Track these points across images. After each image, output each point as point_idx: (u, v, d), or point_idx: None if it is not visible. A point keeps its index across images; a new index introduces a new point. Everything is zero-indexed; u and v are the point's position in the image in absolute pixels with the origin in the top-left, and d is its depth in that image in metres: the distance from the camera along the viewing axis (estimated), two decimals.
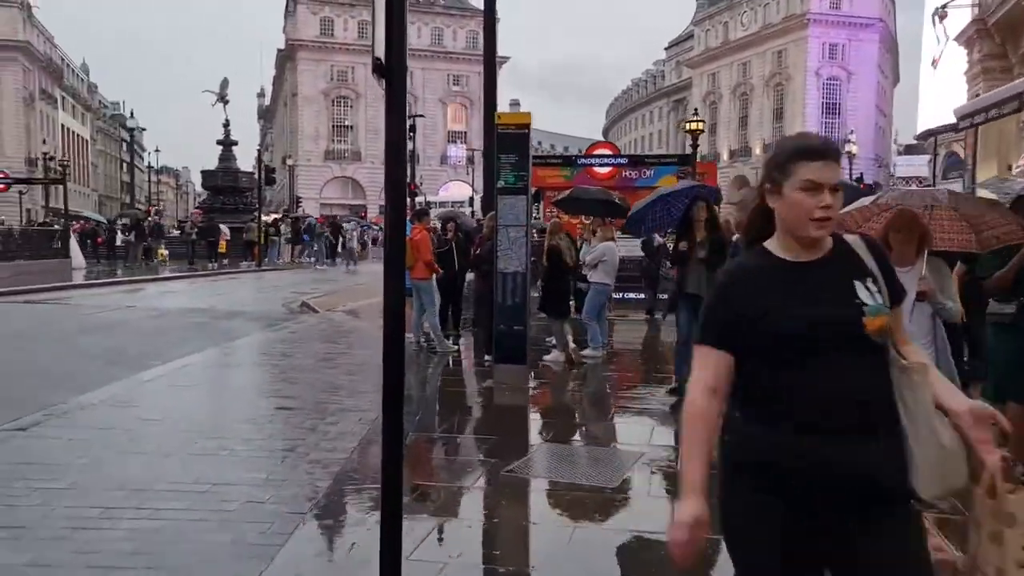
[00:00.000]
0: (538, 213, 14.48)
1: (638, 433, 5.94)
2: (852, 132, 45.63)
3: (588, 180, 14.76)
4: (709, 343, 1.74)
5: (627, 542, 3.82)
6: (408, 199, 14.14)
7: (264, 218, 31.66)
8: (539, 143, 72.07)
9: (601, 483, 4.61)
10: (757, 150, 65.13)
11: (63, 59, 71.30)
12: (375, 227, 39.62)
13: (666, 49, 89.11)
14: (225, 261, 28.30)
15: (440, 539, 3.83)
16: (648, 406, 6.81)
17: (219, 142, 36.86)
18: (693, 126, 23.44)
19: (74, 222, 32.89)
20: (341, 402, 6.80)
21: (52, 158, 41.82)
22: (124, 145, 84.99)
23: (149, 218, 37.08)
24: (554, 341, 8.98)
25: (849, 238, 1.81)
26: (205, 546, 3.70)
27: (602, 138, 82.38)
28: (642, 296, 13.21)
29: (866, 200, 4.08)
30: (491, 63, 11.29)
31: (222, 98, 36.94)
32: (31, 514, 4.04)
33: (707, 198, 7.15)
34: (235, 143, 37.12)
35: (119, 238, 31.97)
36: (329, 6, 66.21)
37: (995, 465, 1.64)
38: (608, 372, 8.56)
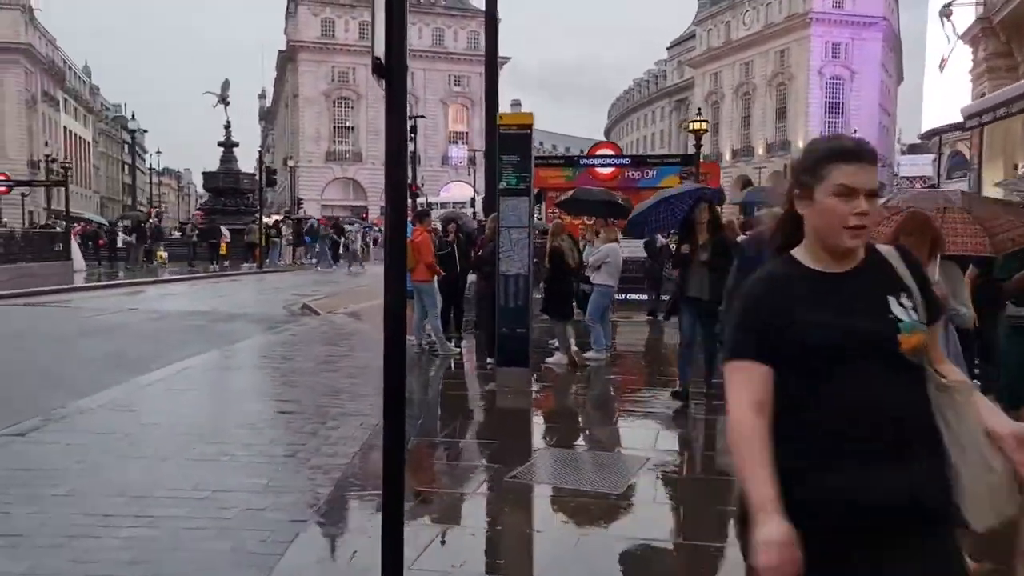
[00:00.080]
0: (540, 214, 14.41)
1: (643, 437, 5.87)
2: (856, 131, 45.47)
3: (590, 181, 14.69)
4: (747, 357, 1.59)
5: (634, 550, 3.75)
6: (409, 200, 14.09)
7: (265, 219, 31.62)
8: (540, 143, 72.03)
9: (606, 489, 4.54)
10: (760, 150, 65.07)
11: (65, 61, 71.40)
12: (376, 228, 39.59)
13: (668, 49, 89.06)
14: (226, 263, 28.25)
15: (443, 547, 3.77)
16: (652, 409, 6.74)
17: (220, 144, 36.85)
18: (696, 126, 23.39)
19: (75, 224, 32.87)
20: (342, 406, 6.74)
21: (54, 160, 41.86)
22: (126, 147, 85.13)
23: (150, 220, 37.08)
24: (557, 343, 8.91)
25: (882, 248, 1.70)
26: (204, 555, 3.64)
27: (604, 138, 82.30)
28: (645, 297, 13.14)
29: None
30: (492, 63, 11.25)
31: (223, 100, 36.92)
32: (29, 522, 3.98)
33: (710, 200, 7.08)
34: (236, 144, 37.11)
35: (120, 240, 31.96)
36: (330, 7, 66.22)
37: None
38: (611, 375, 8.49)
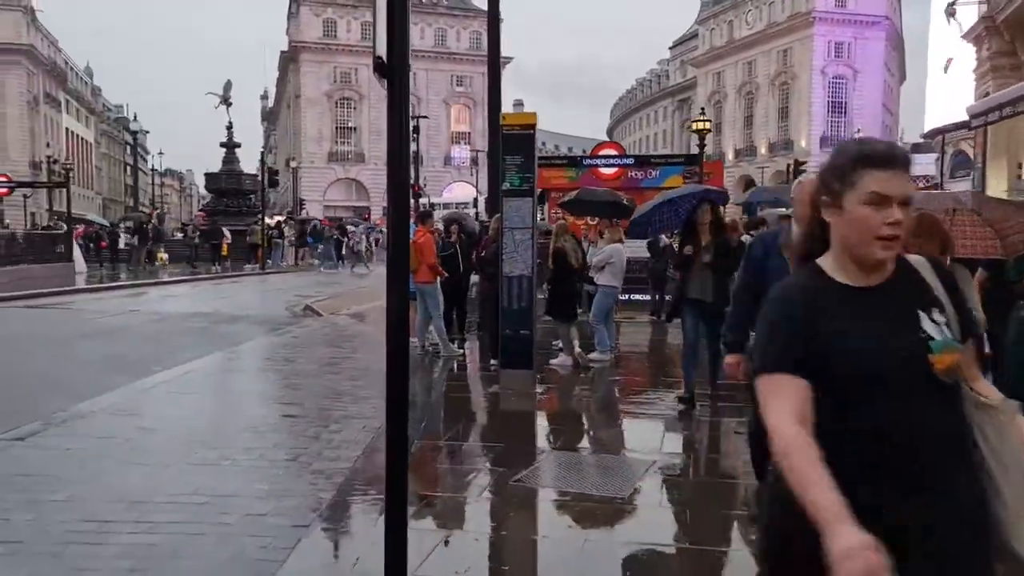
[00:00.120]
0: (542, 215, 14.36)
1: (648, 440, 5.81)
2: (859, 131, 45.40)
3: (593, 181, 14.65)
4: (782, 370, 1.47)
5: (640, 555, 3.70)
6: (412, 200, 14.05)
7: (267, 220, 31.58)
8: (543, 144, 71.98)
9: (612, 493, 4.48)
10: (762, 149, 64.95)
11: (67, 62, 71.48)
12: (378, 229, 39.55)
13: (670, 48, 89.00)
14: (227, 264, 28.22)
15: (447, 553, 3.71)
16: (658, 411, 6.68)
17: (222, 144, 36.84)
18: (700, 125, 23.31)
19: (77, 226, 32.86)
20: (345, 409, 6.69)
21: (56, 161, 41.88)
22: (128, 148, 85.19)
23: (151, 221, 37.07)
24: (560, 345, 8.85)
25: (913, 259, 1.60)
26: (204, 562, 3.60)
27: (606, 138, 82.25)
28: (648, 297, 13.07)
29: None
30: (495, 64, 11.21)
31: (225, 100, 36.92)
32: (27, 528, 3.94)
33: (713, 200, 7.01)
34: (238, 145, 37.08)
35: (122, 241, 31.93)
36: (332, 7, 66.22)
37: None
38: (616, 376, 8.43)
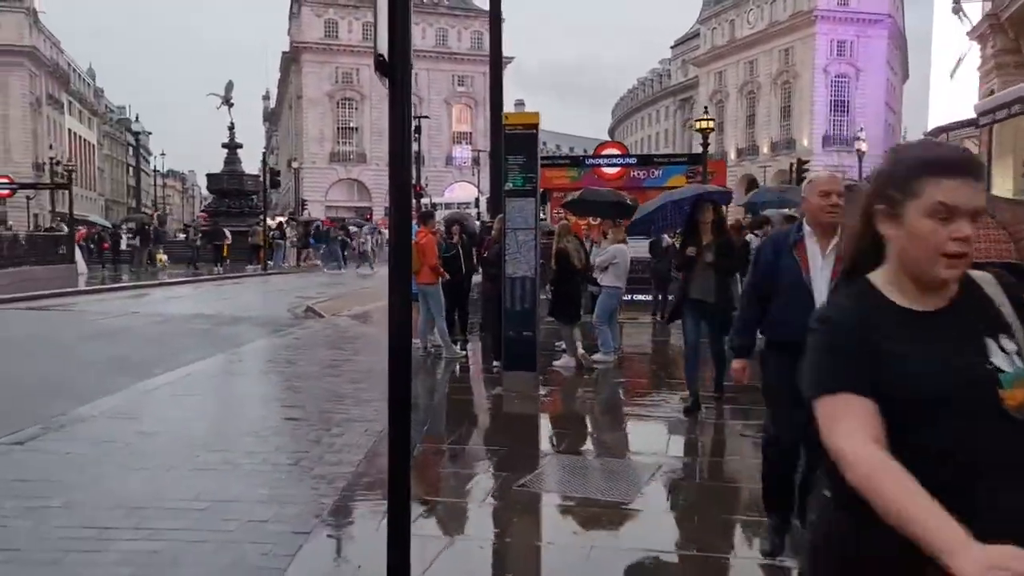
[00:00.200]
0: (544, 214, 14.31)
1: (653, 443, 5.76)
2: (862, 129, 45.28)
3: (596, 181, 14.59)
4: (846, 390, 1.32)
5: (647, 562, 3.64)
6: (413, 201, 13.99)
7: (269, 221, 31.56)
8: (544, 143, 71.89)
9: (617, 498, 4.42)
10: (764, 148, 64.84)
11: (69, 64, 71.52)
12: (379, 229, 39.54)
13: (672, 48, 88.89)
14: (227, 264, 28.18)
15: (451, 559, 3.65)
16: (663, 413, 6.62)
17: (224, 145, 36.81)
18: (703, 125, 23.23)
19: (79, 227, 32.84)
20: (347, 411, 6.63)
21: (58, 163, 41.87)
22: (130, 149, 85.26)
23: (153, 222, 37.05)
24: (564, 346, 8.79)
25: (978, 276, 1.42)
26: (204, 569, 3.55)
27: (608, 138, 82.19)
28: (650, 298, 13.00)
29: None
30: (497, 63, 11.15)
31: (227, 101, 36.86)
32: (26, 535, 3.89)
33: (715, 200, 6.94)
34: (240, 146, 37.04)
35: (124, 242, 31.92)
36: (333, 8, 66.21)
37: None
38: (620, 378, 8.37)
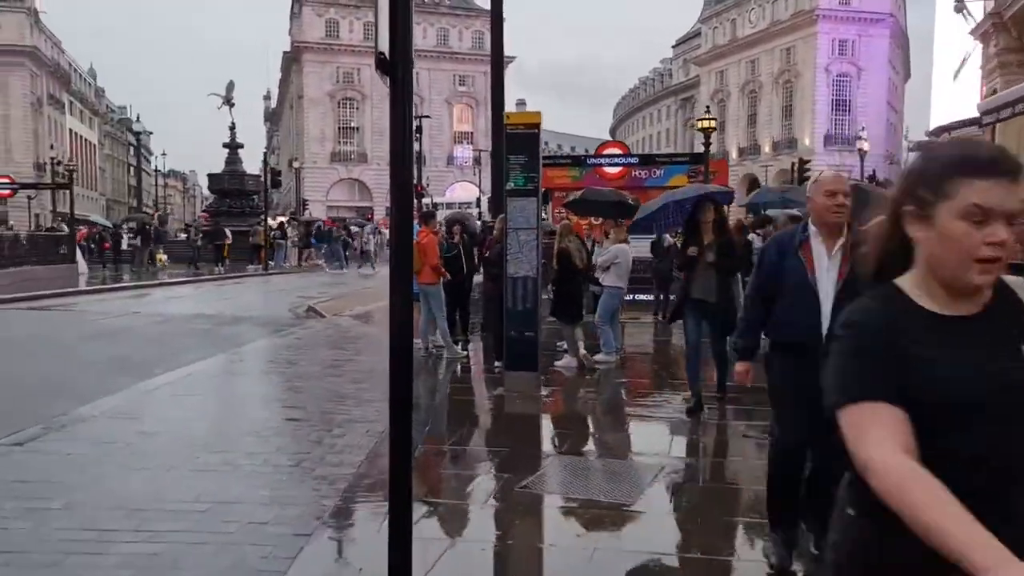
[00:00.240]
0: (546, 214, 14.28)
1: (656, 443, 5.73)
2: (863, 129, 45.21)
3: (597, 180, 14.56)
4: (874, 397, 1.26)
5: (651, 565, 3.61)
6: (415, 200, 13.96)
7: (270, 221, 31.55)
8: (546, 143, 71.87)
9: (620, 499, 4.39)
10: (766, 148, 64.76)
11: (70, 64, 71.53)
12: (378, 229, 39.53)
13: (673, 47, 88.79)
14: (227, 263, 28.16)
15: (453, 562, 3.62)
16: (665, 414, 6.59)
17: (225, 145, 36.79)
18: (705, 124, 23.17)
19: (80, 227, 32.84)
20: (348, 412, 6.61)
21: (59, 163, 41.87)
22: (131, 149, 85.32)
23: (154, 222, 37.03)
24: (565, 346, 8.76)
25: (1013, 281, 1.38)
26: (204, 572, 3.52)
27: (609, 137, 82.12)
28: (651, 298, 12.97)
29: None
30: (498, 62, 11.10)
31: (228, 101, 36.84)
32: (25, 537, 3.86)
33: (716, 199, 6.91)
34: (241, 146, 37.02)
35: (125, 242, 31.90)
36: (334, 8, 66.19)
37: None
38: (622, 378, 8.34)
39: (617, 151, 17.66)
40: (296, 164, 53.91)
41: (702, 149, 21.76)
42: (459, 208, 34.52)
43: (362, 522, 4.21)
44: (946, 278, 1.30)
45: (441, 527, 4.10)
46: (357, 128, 66.36)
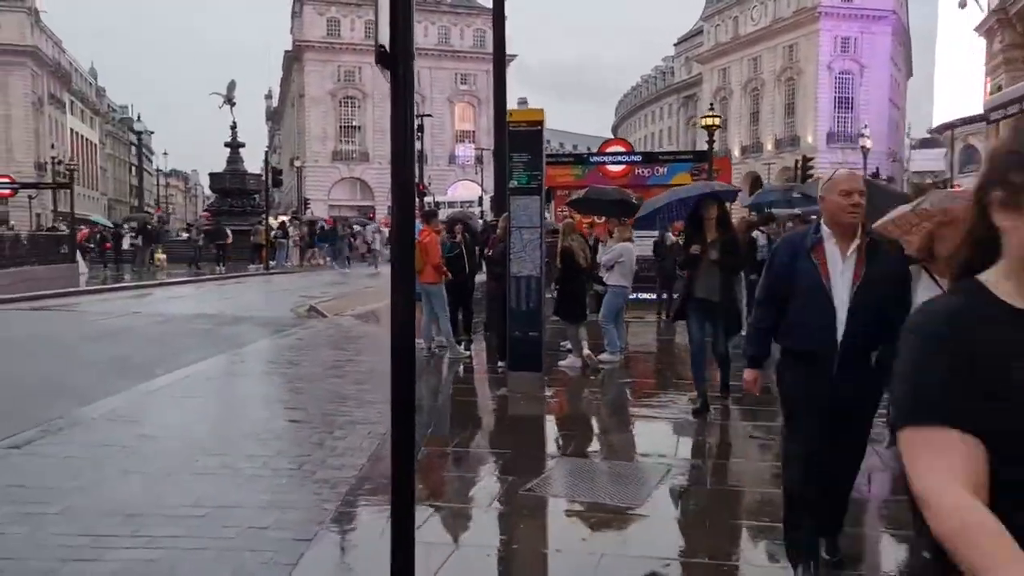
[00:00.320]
0: (549, 213, 14.19)
1: (662, 444, 5.65)
2: (866, 126, 45.07)
3: (600, 178, 14.46)
4: (941, 422, 1.11)
5: (659, 570, 3.53)
6: (416, 199, 13.89)
7: (271, 220, 31.48)
8: (548, 141, 71.69)
9: (626, 502, 4.33)
10: (769, 146, 64.60)
11: (71, 63, 71.49)
12: (379, 228, 39.45)
13: (675, 45, 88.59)
14: (227, 263, 28.07)
15: (456, 567, 3.55)
16: (670, 414, 6.52)
17: (226, 144, 36.73)
18: (708, 121, 23.05)
19: (81, 227, 32.78)
20: (349, 414, 6.54)
21: (60, 163, 41.85)
22: (132, 149, 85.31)
23: (154, 222, 36.99)
24: (569, 346, 8.69)
25: None
26: None
27: (611, 135, 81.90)
28: (655, 297, 12.88)
29: (905, 208, 3.64)
30: (500, 60, 11.04)
31: (229, 100, 36.78)
32: (22, 543, 3.80)
33: (719, 196, 6.83)
34: (242, 145, 36.95)
35: (127, 242, 31.84)
36: (335, 6, 66.08)
37: None
38: (626, 378, 8.27)
39: (620, 149, 17.54)
40: (297, 163, 53.88)
41: (705, 147, 21.68)
42: (461, 207, 34.42)
43: (364, 526, 4.15)
44: None
45: (445, 531, 4.03)
46: (359, 127, 66.27)
